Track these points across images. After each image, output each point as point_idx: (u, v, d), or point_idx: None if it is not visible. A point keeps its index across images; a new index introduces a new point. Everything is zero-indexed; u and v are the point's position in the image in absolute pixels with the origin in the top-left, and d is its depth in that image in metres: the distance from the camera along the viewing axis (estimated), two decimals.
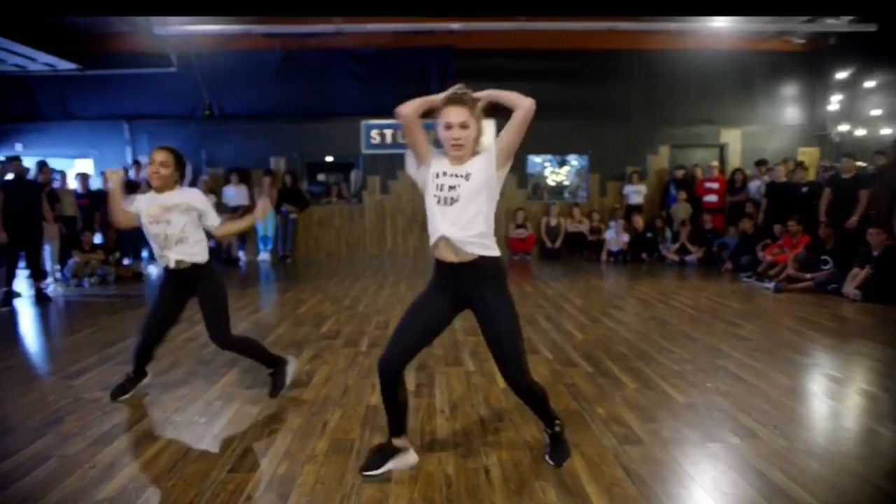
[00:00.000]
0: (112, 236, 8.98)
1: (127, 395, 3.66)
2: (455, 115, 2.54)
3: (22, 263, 7.26)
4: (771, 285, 7.37)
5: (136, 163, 10.67)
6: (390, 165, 11.44)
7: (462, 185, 2.53)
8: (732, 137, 11.71)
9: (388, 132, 11.29)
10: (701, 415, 3.29)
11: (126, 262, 9.21)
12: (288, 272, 9.63)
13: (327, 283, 8.19)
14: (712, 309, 6.19)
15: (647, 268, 9.72)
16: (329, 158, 12.10)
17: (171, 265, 3.48)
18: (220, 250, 10.50)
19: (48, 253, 8.16)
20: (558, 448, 2.79)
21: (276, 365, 3.70)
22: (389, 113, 11.01)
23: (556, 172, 11.86)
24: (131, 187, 9.46)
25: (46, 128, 11.45)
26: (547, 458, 2.77)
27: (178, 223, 3.43)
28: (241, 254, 11.08)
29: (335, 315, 6.08)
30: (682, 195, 10.72)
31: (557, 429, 2.79)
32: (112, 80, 11.09)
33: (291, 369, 3.76)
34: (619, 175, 11.58)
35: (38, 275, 7.22)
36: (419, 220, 11.53)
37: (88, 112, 11.34)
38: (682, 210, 10.67)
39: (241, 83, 11.20)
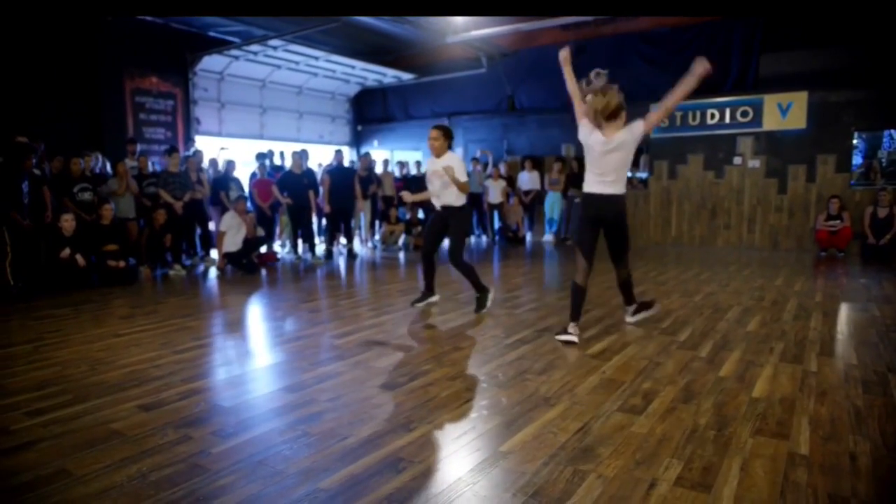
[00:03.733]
0: (415, 213, 10.91)
1: (420, 305, 5.25)
2: None
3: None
4: None
5: None
6: (679, 149, 10.84)
7: None
8: None
9: (678, 114, 10.69)
10: None
11: None
12: (562, 254, 10.15)
13: (570, 265, 8.48)
14: None
15: None
16: None
17: (437, 207, 5.08)
18: (507, 228, 11.63)
19: (362, 223, 10.44)
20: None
21: (482, 291, 5.03)
22: None
23: None
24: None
25: (395, 127, 14.35)
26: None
27: (437, 182, 4.95)
28: (528, 234, 12.05)
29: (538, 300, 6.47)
30: None
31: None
32: (438, 85, 13.23)
33: (492, 297, 5.10)
34: None
35: (349, 238, 9.43)
36: (708, 207, 10.67)
37: (421, 113, 13.79)
38: None
39: (537, 77, 12.09)
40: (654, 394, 2.97)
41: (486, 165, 12.18)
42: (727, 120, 10.28)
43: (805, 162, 9.83)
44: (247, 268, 7.69)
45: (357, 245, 10.23)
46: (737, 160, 10.35)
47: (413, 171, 11.96)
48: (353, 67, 12.53)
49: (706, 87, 10.70)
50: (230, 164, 9.23)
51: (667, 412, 2.74)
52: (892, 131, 9.38)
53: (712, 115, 10.38)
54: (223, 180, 8.99)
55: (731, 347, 3.80)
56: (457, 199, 4.95)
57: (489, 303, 5.06)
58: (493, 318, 4.79)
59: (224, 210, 8.71)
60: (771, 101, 9.90)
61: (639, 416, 2.71)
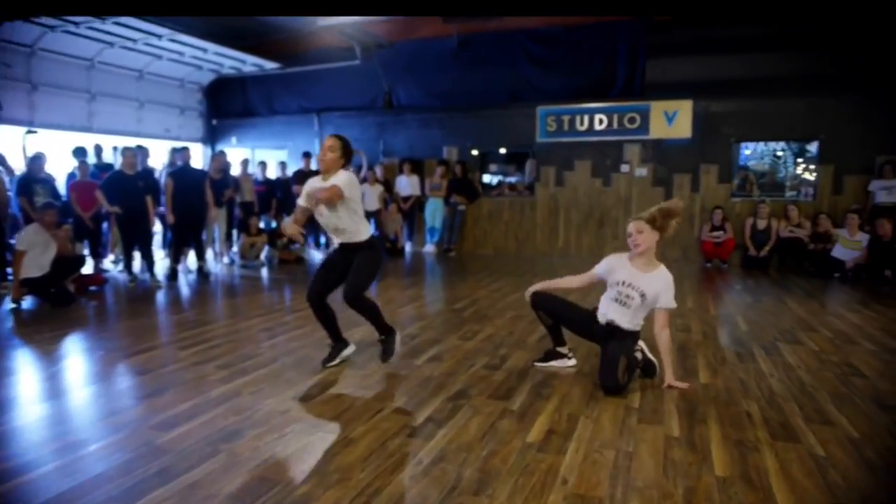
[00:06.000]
0: (281, 221, 9.46)
1: (334, 363, 3.88)
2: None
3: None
4: None
5: (307, 154, 11.01)
6: (567, 155, 10.36)
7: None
8: None
9: (566, 118, 10.19)
10: None
11: (294, 246, 9.63)
12: (446, 267, 9.21)
13: (460, 283, 7.58)
14: None
15: (889, 290, 7.24)
16: (503, 150, 11.35)
17: (335, 243, 3.88)
18: (385, 238, 10.51)
19: (216, 234, 8.83)
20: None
21: (388, 333, 3.88)
22: (567, 98, 10.02)
23: (774, 163, 9.60)
24: (303, 177, 9.93)
25: (256, 122, 12.67)
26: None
27: (327, 210, 3.64)
28: (407, 244, 11.02)
29: (428, 319, 5.43)
30: None
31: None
32: (306, 76, 11.80)
33: (399, 338, 3.93)
34: (865, 167, 8.94)
35: (200, 253, 7.82)
36: (596, 216, 10.27)
37: (286, 107, 12.27)
38: None
39: (418, 72, 11.10)
40: None
41: (359, 168, 10.98)
42: (615, 126, 9.92)
43: (690, 171, 9.71)
44: (56, 299, 5.89)
45: (211, 261, 8.61)
46: (624, 168, 10.04)
47: (278, 174, 10.48)
48: (204, 51, 10.73)
49: (594, 91, 10.43)
50: (37, 160, 7.25)
51: None
52: (746, 144, 9.50)
53: (600, 121, 9.98)
54: (25, 182, 7.02)
55: (702, 416, 2.98)
56: (359, 231, 3.74)
57: (397, 345, 3.89)
58: (390, 378, 3.66)
59: (29, 220, 6.80)
60: (657, 109, 9.66)
61: None
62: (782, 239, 8.98)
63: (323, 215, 3.69)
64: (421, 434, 2.77)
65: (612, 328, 3.52)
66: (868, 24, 8.51)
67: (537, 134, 10.47)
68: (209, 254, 8.72)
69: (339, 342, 3.97)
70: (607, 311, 3.56)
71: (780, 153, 9.65)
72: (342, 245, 3.80)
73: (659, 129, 9.70)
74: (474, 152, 11.05)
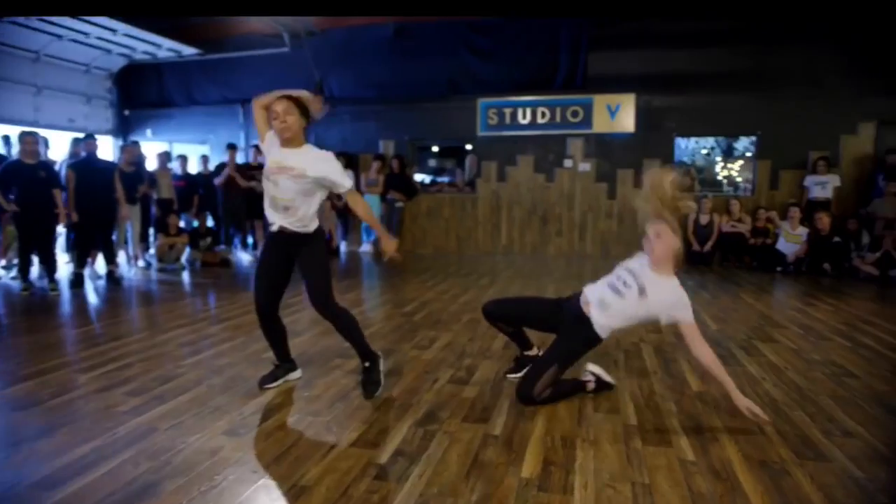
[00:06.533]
0: (203, 221, 8.64)
1: (275, 384, 3.32)
2: None
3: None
4: None
5: (256, 147, 10.23)
6: (509, 149, 10.01)
7: None
8: None
9: (508, 111, 9.84)
10: None
11: (219, 248, 8.78)
12: (383, 269, 8.64)
13: (403, 284, 7.06)
14: None
15: (831, 283, 7.29)
16: (435, 148, 10.88)
17: (274, 228, 3.16)
18: None
19: (129, 234, 7.92)
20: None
21: (371, 359, 3.22)
22: (509, 90, 9.54)
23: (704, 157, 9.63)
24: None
25: (174, 114, 11.67)
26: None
27: (287, 188, 3.03)
28: (342, 244, 10.38)
29: (381, 324, 4.89)
30: (894, 188, 8.01)
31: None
32: (229, 64, 10.91)
33: (384, 367, 3.28)
34: (799, 162, 9.06)
35: (110, 256, 6.92)
36: (539, 213, 9.98)
37: (208, 97, 11.34)
38: (889, 207, 7.98)
39: (351, 61, 10.46)
40: None
41: None
42: (558, 119, 9.66)
43: (633, 166, 9.58)
44: None
45: (123, 265, 7.69)
46: (567, 163, 9.79)
47: (199, 169, 9.56)
48: (113, 32, 9.65)
49: (536, 83, 10.12)
50: None
51: None
52: (677, 141, 9.54)
53: (543, 114, 9.69)
54: None
55: (712, 433, 2.61)
56: (309, 220, 3.11)
57: (383, 377, 3.18)
58: (343, 399, 3.10)
59: None
60: (600, 102, 9.47)
61: None
62: (724, 234, 8.99)
63: (279, 186, 3.02)
64: (391, 474, 2.24)
65: (580, 317, 3.06)
66: (804, 23, 8.63)
67: (478, 127, 10.07)
68: (121, 257, 7.80)
69: (285, 362, 3.39)
70: (596, 290, 3.14)
71: (704, 150, 9.72)
72: (281, 232, 3.11)
73: (602, 123, 9.50)
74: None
